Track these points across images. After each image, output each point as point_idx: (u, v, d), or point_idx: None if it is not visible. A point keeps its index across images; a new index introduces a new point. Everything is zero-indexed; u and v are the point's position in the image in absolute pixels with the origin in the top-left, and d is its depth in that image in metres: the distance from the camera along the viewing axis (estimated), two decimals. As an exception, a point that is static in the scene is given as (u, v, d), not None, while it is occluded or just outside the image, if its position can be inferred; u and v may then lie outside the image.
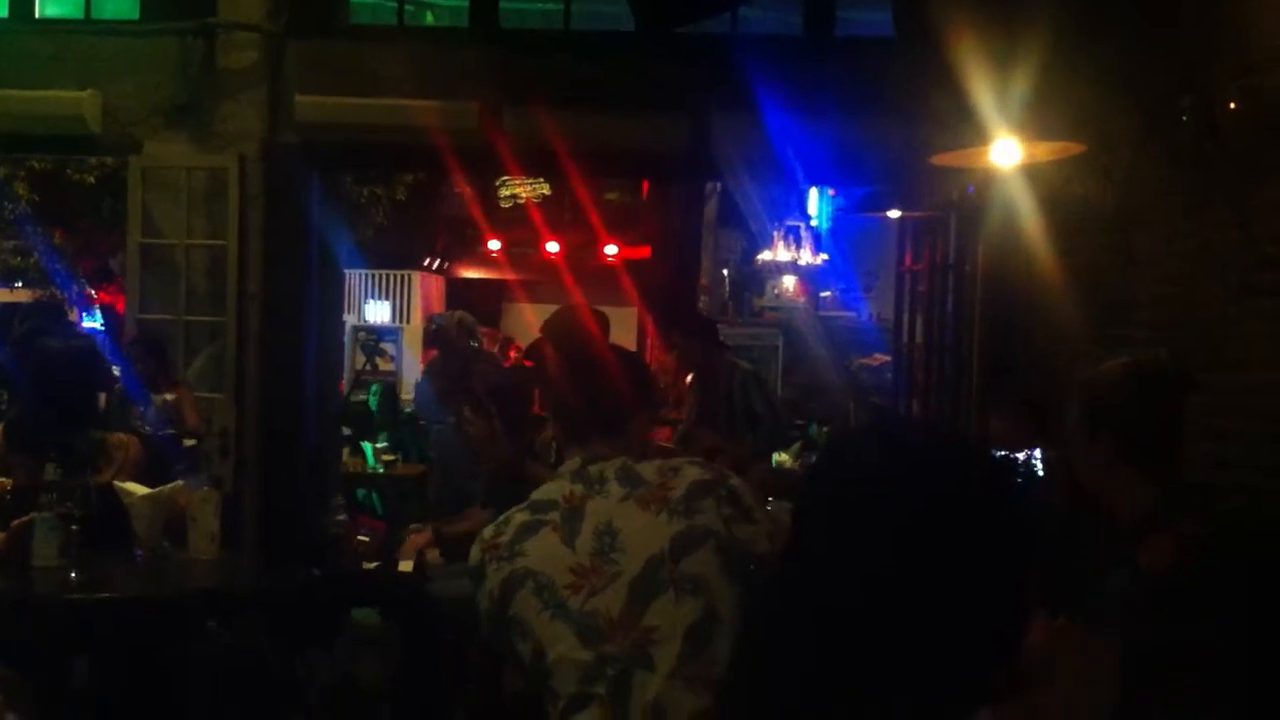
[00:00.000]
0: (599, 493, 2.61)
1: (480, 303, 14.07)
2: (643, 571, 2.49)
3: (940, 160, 5.17)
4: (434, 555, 6.13)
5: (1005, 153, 4.76)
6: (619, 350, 3.09)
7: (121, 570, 4.29)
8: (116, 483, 4.35)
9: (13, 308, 13.73)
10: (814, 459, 2.29)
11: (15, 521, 4.21)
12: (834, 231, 14.92)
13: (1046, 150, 4.73)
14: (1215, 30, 4.57)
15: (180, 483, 4.56)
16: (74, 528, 4.06)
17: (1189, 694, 2.63)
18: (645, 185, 13.89)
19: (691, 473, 2.63)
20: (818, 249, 15.10)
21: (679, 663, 2.43)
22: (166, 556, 4.39)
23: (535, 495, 2.68)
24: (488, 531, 2.66)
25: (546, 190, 15.05)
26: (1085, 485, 2.87)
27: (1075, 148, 4.63)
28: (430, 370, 9.06)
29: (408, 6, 7.75)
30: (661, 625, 2.46)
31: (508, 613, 2.55)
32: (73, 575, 4.02)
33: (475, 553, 2.64)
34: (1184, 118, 4.59)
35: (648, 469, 2.65)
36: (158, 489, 4.38)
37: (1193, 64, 4.62)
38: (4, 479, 4.78)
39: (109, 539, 4.23)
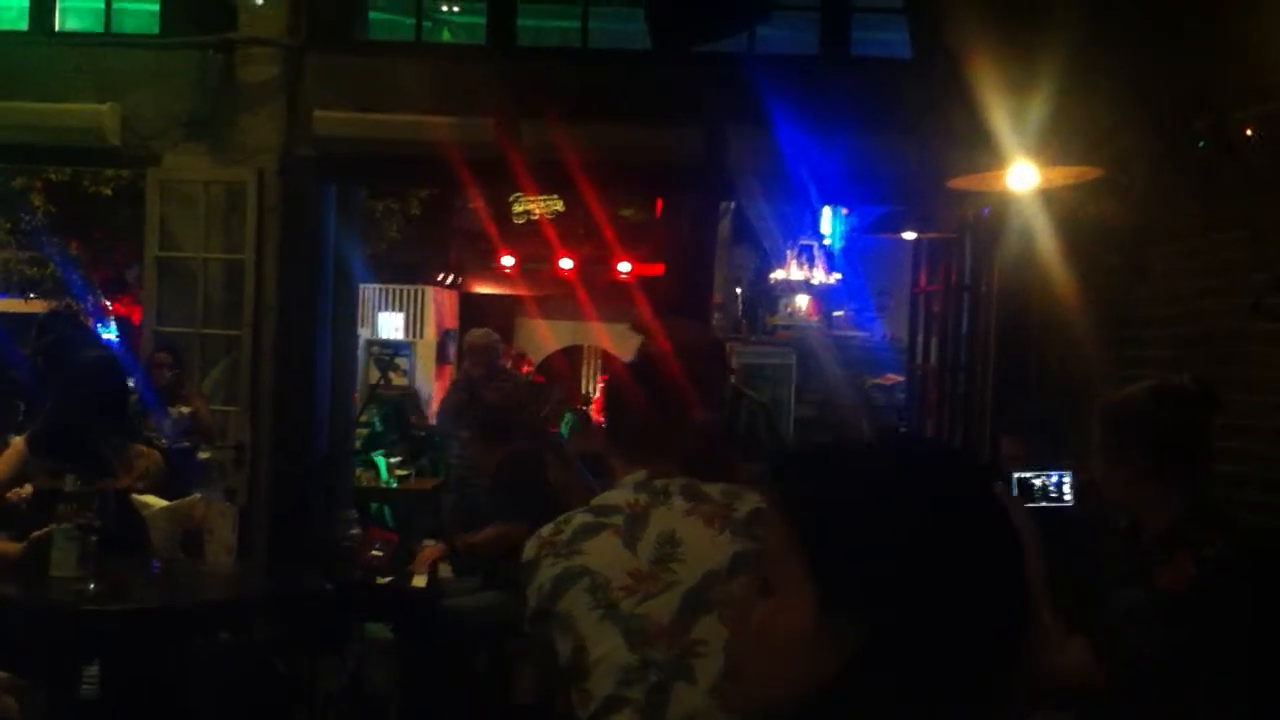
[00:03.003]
0: (663, 504, 2.62)
1: (493, 318, 14.08)
2: (699, 584, 2.50)
3: (957, 184, 5.18)
4: (445, 570, 6.15)
5: (1022, 176, 4.77)
6: (699, 372, 3.11)
7: (139, 581, 4.32)
8: (134, 495, 4.38)
9: (29, 318, 13.80)
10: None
11: (34, 534, 4.25)
12: (847, 251, 14.90)
13: (1063, 174, 4.74)
14: (1230, 53, 4.58)
15: (198, 496, 4.60)
16: (93, 538, 4.09)
17: (1197, 708, 2.66)
18: (659, 203, 13.91)
19: (754, 498, 2.64)
20: (831, 268, 15.07)
21: (719, 681, 2.43)
22: (183, 568, 4.42)
23: (596, 501, 2.69)
24: (546, 529, 2.66)
25: (560, 207, 15.06)
26: (1111, 502, 2.90)
27: (1092, 171, 4.64)
28: (456, 386, 9.19)
29: (425, 23, 7.80)
30: (709, 641, 2.45)
31: (555, 607, 2.55)
32: (91, 586, 4.05)
33: (531, 548, 2.65)
34: (1199, 140, 4.61)
35: (712, 489, 2.66)
36: (175, 502, 4.41)
37: (1208, 85, 4.63)
38: (19, 489, 4.83)
39: (126, 549, 4.27)
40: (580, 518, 2.64)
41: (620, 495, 2.67)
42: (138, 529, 4.34)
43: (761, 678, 1.27)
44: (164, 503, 4.45)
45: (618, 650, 2.47)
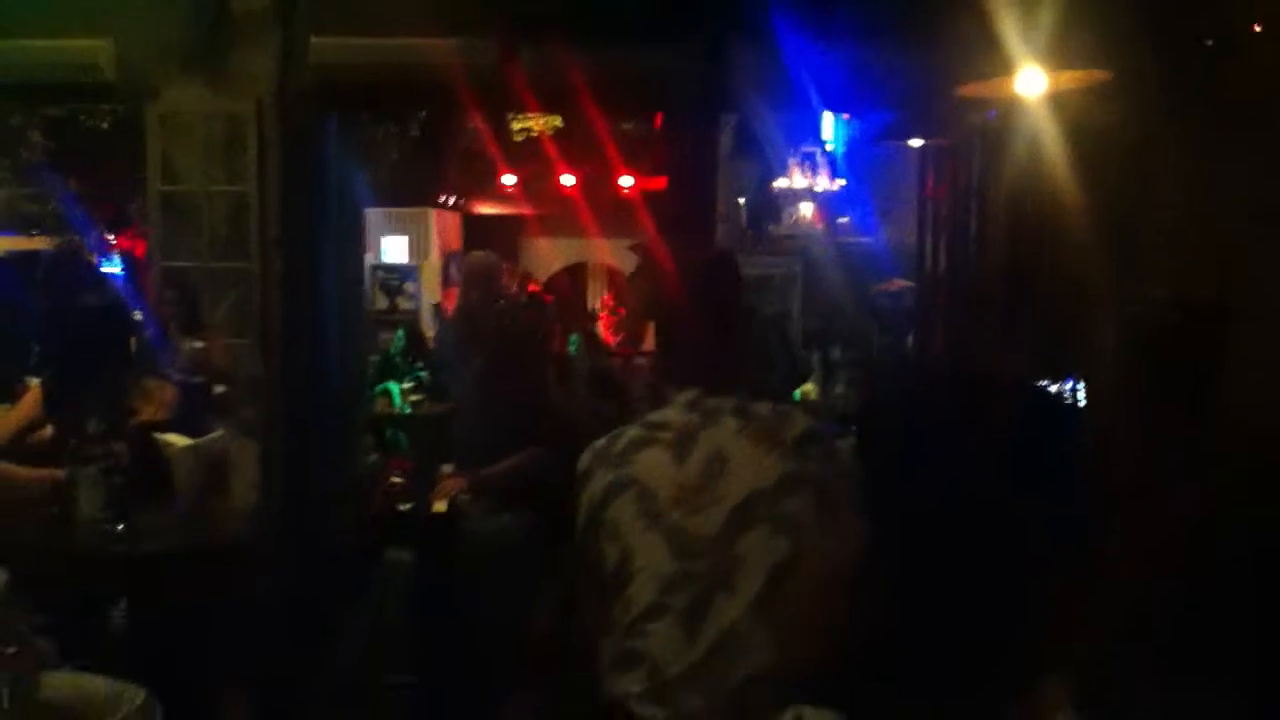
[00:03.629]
0: (714, 423, 2.67)
1: (497, 239, 14.03)
2: (745, 501, 2.55)
3: (966, 90, 5.14)
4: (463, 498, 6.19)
5: (1030, 81, 4.73)
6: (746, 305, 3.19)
7: (165, 521, 4.36)
8: (156, 434, 4.40)
9: (33, 255, 13.78)
10: (862, 415, 2.32)
11: (57, 476, 4.28)
12: (849, 158, 14.79)
13: (1071, 79, 4.70)
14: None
15: (221, 432, 4.62)
16: (117, 479, 4.13)
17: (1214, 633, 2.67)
18: (659, 116, 13.80)
19: (803, 420, 2.69)
20: (834, 174, 14.98)
21: (759, 595, 2.48)
22: (209, 507, 4.45)
23: (650, 417, 2.73)
24: (600, 442, 2.73)
25: (559, 123, 14.95)
26: (1125, 415, 2.91)
27: (1100, 75, 4.60)
28: (462, 313, 8.64)
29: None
30: (750, 556, 2.51)
31: (603, 515, 2.61)
32: (119, 528, 4.09)
33: (585, 459, 2.71)
34: (1208, 41, 4.56)
35: (762, 408, 2.71)
36: (198, 440, 4.44)
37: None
38: (42, 431, 4.87)
39: (151, 490, 4.30)
40: (633, 431, 2.70)
41: (672, 413, 2.72)
42: (162, 468, 4.37)
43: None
44: (187, 440, 4.48)
45: (661, 560, 2.53)
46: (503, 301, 8.15)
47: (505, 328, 6.73)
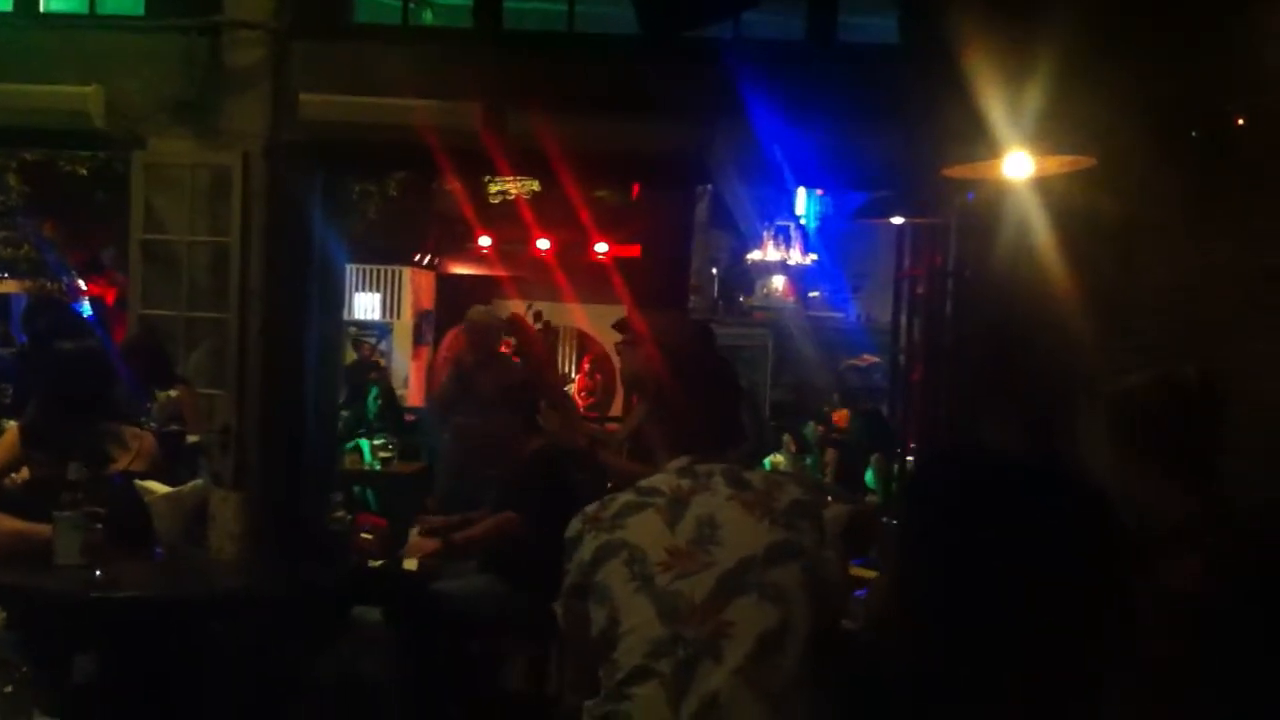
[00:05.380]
0: (706, 488, 2.70)
1: (471, 299, 14.04)
2: (735, 568, 2.57)
3: (951, 172, 5.23)
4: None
5: (1017, 165, 4.81)
6: (730, 373, 3.24)
7: (143, 569, 4.33)
8: (137, 481, 4.39)
9: (3, 299, 13.72)
10: (911, 488, 2.37)
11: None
12: (822, 233, 14.99)
13: (1057, 163, 4.78)
14: (1223, 44, 4.64)
15: (200, 481, 4.61)
16: (97, 526, 4.11)
17: (1208, 710, 2.69)
18: (635, 186, 13.91)
19: (794, 490, 2.74)
20: (806, 249, 15.17)
21: (746, 663, 2.49)
22: (186, 556, 4.44)
23: (642, 483, 2.76)
24: (591, 507, 2.75)
25: (536, 187, 15.04)
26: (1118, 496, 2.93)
27: (1086, 161, 4.69)
28: (451, 377, 8.36)
29: (410, 4, 7.77)
30: (738, 623, 2.53)
31: (594, 578, 2.62)
32: (97, 574, 4.06)
33: (575, 525, 2.73)
34: (1191, 130, 4.66)
35: (754, 477, 2.76)
36: (178, 489, 4.42)
37: (1201, 76, 4.69)
38: (15, 475, 4.84)
39: (131, 537, 4.28)
40: (625, 497, 2.72)
41: (664, 479, 2.75)
42: (142, 516, 4.36)
43: None
44: (166, 489, 4.46)
45: (650, 623, 2.54)
46: (501, 362, 7.99)
47: (502, 383, 6.74)
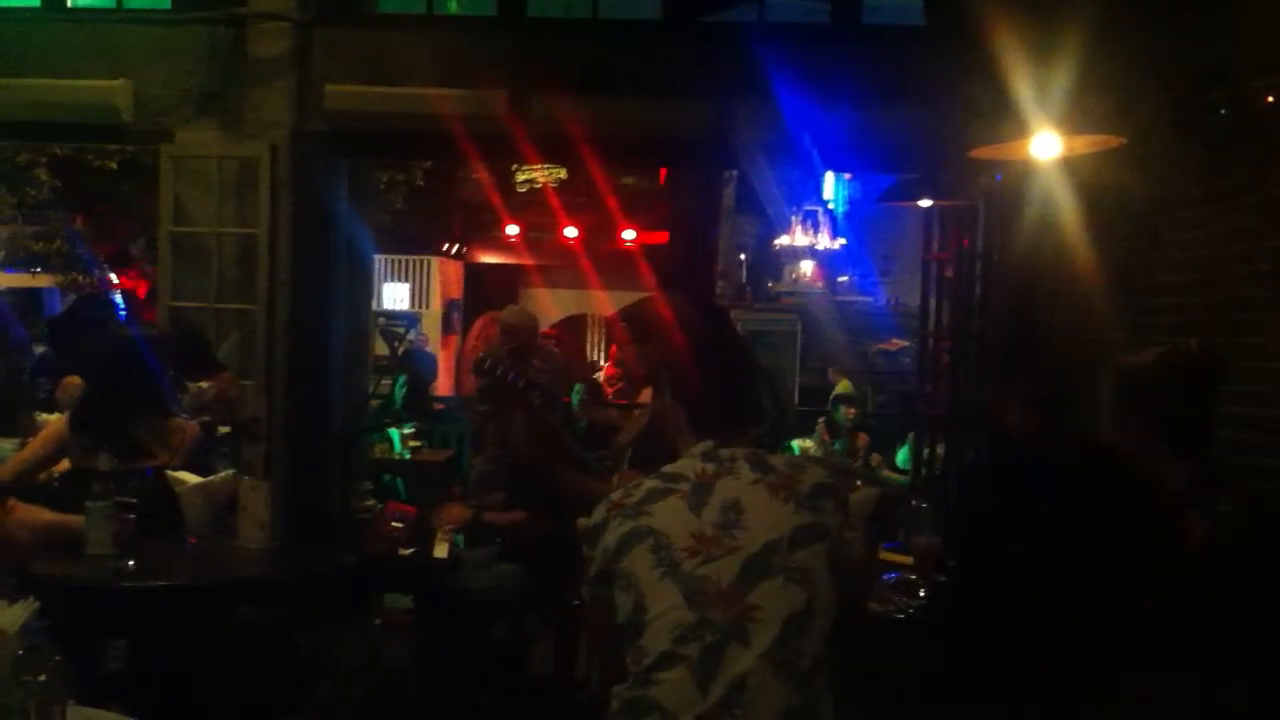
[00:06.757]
0: (730, 472, 2.70)
1: (498, 288, 14.12)
2: (760, 551, 2.58)
3: (979, 153, 5.20)
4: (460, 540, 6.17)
5: (1045, 145, 4.78)
6: (748, 351, 3.25)
7: (173, 558, 4.36)
8: (168, 472, 4.42)
9: (36, 293, 13.83)
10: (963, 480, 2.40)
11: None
12: (850, 217, 14.94)
13: (1085, 143, 4.75)
14: (1249, 21, 4.60)
15: (231, 472, 4.64)
16: (129, 516, 4.14)
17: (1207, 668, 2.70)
18: (662, 172, 13.91)
19: (818, 472, 2.74)
20: (835, 233, 15.12)
21: (773, 646, 2.50)
22: (216, 545, 4.46)
23: (666, 469, 2.76)
24: (616, 493, 2.75)
25: (563, 175, 15.06)
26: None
27: (1114, 140, 4.66)
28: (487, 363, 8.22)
29: (434, -7, 7.77)
30: (764, 606, 2.53)
31: (619, 565, 2.63)
32: (129, 564, 4.09)
33: (600, 511, 2.73)
34: (1217, 108, 4.62)
35: (778, 460, 2.76)
36: (208, 479, 4.45)
37: (1227, 54, 4.65)
38: (52, 468, 4.89)
39: (162, 527, 4.31)
40: (650, 483, 2.72)
41: (688, 464, 2.75)
42: (173, 506, 4.39)
43: None
44: (197, 479, 4.49)
45: (676, 608, 2.54)
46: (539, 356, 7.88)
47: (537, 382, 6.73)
